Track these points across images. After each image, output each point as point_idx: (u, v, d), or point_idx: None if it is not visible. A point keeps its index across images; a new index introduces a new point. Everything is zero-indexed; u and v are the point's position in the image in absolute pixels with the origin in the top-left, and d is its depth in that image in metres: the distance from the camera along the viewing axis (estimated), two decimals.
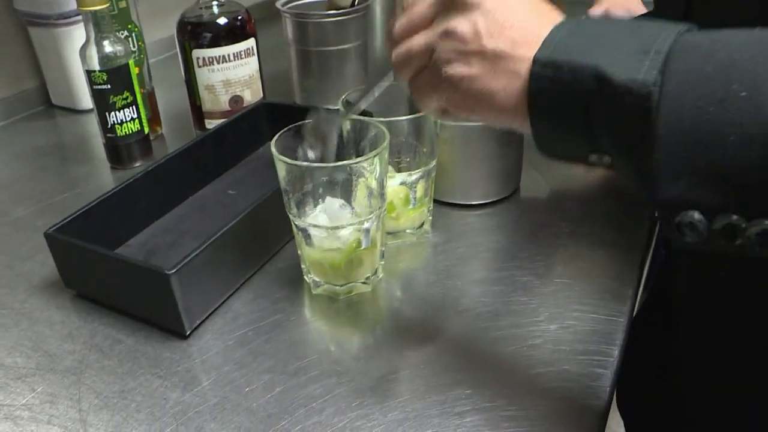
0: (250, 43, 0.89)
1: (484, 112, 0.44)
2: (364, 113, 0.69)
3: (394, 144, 0.65)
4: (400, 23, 0.47)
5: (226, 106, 0.90)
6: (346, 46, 0.96)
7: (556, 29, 0.40)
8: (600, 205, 0.76)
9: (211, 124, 0.92)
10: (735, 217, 0.34)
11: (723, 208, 0.34)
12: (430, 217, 0.72)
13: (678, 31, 0.37)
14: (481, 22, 0.42)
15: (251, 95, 0.91)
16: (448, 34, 0.43)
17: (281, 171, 0.57)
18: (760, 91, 0.33)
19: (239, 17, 0.88)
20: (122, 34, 0.93)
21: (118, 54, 0.84)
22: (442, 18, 0.44)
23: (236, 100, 0.90)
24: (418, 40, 0.45)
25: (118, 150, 0.89)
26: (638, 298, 0.66)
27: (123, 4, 0.92)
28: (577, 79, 0.38)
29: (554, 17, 0.42)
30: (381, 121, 0.61)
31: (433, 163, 0.68)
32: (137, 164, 0.90)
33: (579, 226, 0.72)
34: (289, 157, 0.56)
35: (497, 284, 0.64)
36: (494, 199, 0.77)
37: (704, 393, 0.65)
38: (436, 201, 0.75)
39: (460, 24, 0.43)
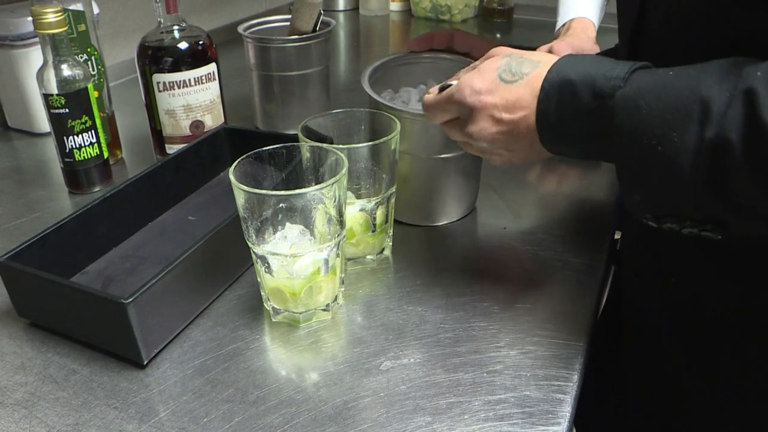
0: (212, 67, 0.89)
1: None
2: (323, 139, 0.70)
3: (354, 170, 0.66)
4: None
5: (186, 131, 0.90)
6: (308, 71, 0.96)
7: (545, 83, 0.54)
8: (557, 226, 0.77)
9: (171, 148, 0.91)
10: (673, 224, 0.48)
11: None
12: (391, 243, 0.72)
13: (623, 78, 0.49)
14: (492, 122, 0.57)
15: (212, 120, 0.91)
16: (472, 137, 0.59)
17: (239, 198, 0.57)
18: (666, 145, 0.44)
19: (200, 42, 0.88)
20: (81, 57, 0.92)
21: (77, 78, 0.83)
22: (465, 124, 0.59)
23: (197, 125, 0.90)
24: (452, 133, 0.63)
25: (76, 175, 0.87)
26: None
27: (82, 28, 0.91)
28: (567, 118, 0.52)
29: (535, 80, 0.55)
30: (340, 148, 0.61)
31: (393, 189, 0.68)
32: (96, 189, 0.89)
33: (538, 249, 0.73)
34: (247, 185, 0.56)
35: (458, 310, 0.64)
36: (454, 220, 0.78)
37: (653, 411, 0.67)
38: (395, 221, 0.76)
39: (480, 135, 0.58)
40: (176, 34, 0.87)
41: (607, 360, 0.76)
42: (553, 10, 1.00)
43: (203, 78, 0.88)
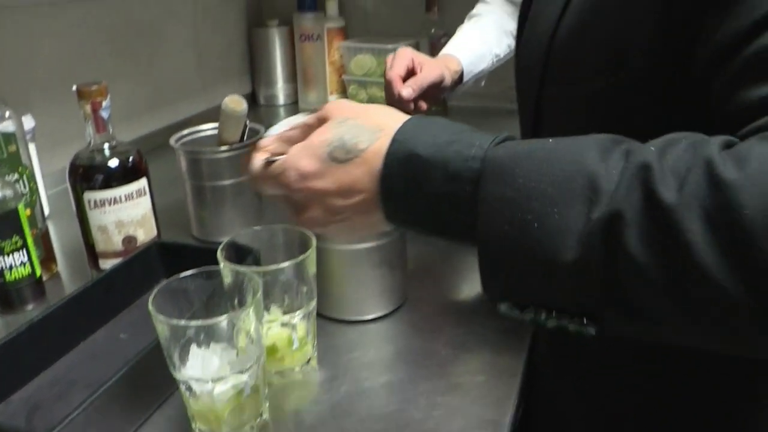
0: (142, 182, 0.91)
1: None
2: (249, 253, 0.72)
3: (274, 287, 0.68)
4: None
5: (119, 246, 0.91)
6: (239, 180, 0.99)
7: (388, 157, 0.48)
8: (481, 327, 0.80)
9: (105, 263, 0.92)
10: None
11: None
12: (316, 353, 0.74)
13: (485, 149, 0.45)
14: (325, 210, 0.52)
15: (144, 234, 0.93)
16: (304, 224, 0.54)
17: (158, 327, 0.58)
18: (544, 221, 0.40)
19: (130, 158, 0.90)
20: (12, 176, 0.93)
21: (7, 198, 0.84)
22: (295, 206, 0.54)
23: (129, 239, 0.91)
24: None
25: (8, 295, 0.88)
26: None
27: (13, 149, 0.93)
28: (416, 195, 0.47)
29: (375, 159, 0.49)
30: (258, 271, 0.64)
31: (314, 303, 0.70)
32: (29, 307, 0.89)
33: (460, 351, 0.75)
34: (168, 312, 0.58)
35: (382, 420, 0.65)
36: (381, 314, 0.81)
37: None
38: (322, 316, 0.78)
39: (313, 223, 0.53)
40: (106, 152, 0.89)
41: None
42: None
43: (134, 194, 0.90)
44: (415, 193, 0.46)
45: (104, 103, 0.86)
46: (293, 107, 1.91)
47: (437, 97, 1.15)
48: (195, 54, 1.74)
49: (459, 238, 0.47)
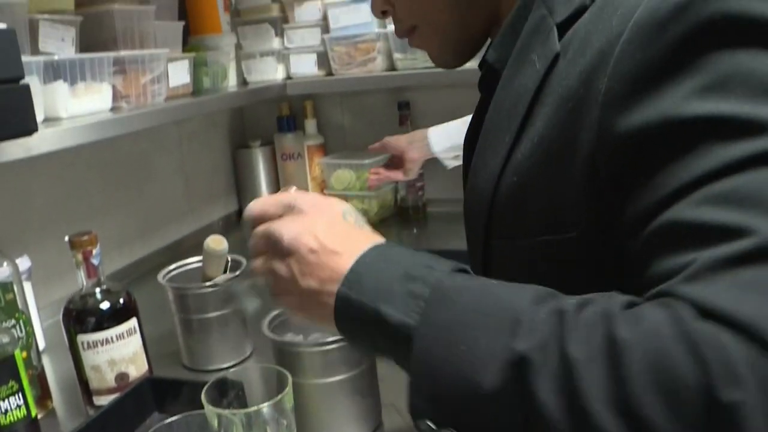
0: (132, 323, 0.96)
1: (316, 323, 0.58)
2: (233, 386, 0.76)
3: (258, 420, 0.72)
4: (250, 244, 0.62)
5: (112, 383, 0.96)
6: (225, 311, 1.05)
7: (356, 265, 0.53)
8: None
9: (99, 400, 0.96)
10: None
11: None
12: None
13: (437, 278, 0.50)
14: (295, 266, 0.56)
15: (136, 370, 0.97)
16: (272, 274, 0.58)
17: None
18: (475, 353, 0.45)
19: (121, 299, 0.96)
20: (9, 322, 0.99)
21: (4, 344, 0.89)
22: (270, 258, 0.58)
23: (122, 376, 0.96)
24: (258, 263, 0.60)
25: None
26: None
27: (10, 297, 0.98)
28: (365, 318, 0.51)
29: (357, 248, 0.54)
30: (240, 413, 0.69)
31: None
32: None
33: None
34: None
35: None
36: None
37: None
38: None
39: (280, 268, 0.57)
40: (98, 296, 0.95)
41: None
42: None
43: (125, 333, 0.95)
44: (359, 327, 0.53)
45: (95, 251, 0.92)
46: None
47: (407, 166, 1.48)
48: (182, 178, 1.82)
49: (394, 351, 0.52)
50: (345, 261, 0.54)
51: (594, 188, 0.53)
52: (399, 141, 1.55)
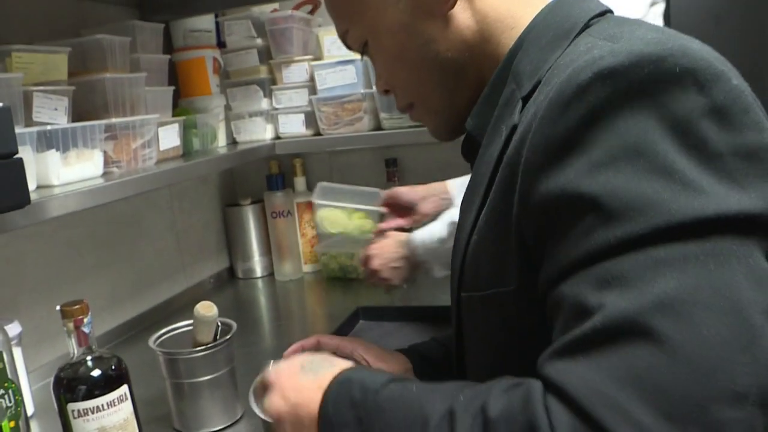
0: (123, 389, 0.97)
1: None
2: None
3: None
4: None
5: None
6: (215, 375, 1.06)
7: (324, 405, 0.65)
8: None
9: None
10: None
11: None
12: None
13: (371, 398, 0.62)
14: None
15: None
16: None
17: None
18: None
19: (113, 366, 0.97)
20: None
21: None
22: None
23: None
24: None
25: None
26: None
27: (0, 366, 0.99)
28: None
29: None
30: None
31: None
32: None
33: None
34: None
35: None
36: None
37: None
38: None
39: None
40: (89, 363, 0.95)
41: None
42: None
43: (116, 400, 0.96)
44: None
45: (86, 320, 0.94)
46: (270, 279, 2.00)
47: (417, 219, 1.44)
48: (174, 236, 1.84)
49: None
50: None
51: (522, 248, 0.59)
52: (414, 193, 1.44)
